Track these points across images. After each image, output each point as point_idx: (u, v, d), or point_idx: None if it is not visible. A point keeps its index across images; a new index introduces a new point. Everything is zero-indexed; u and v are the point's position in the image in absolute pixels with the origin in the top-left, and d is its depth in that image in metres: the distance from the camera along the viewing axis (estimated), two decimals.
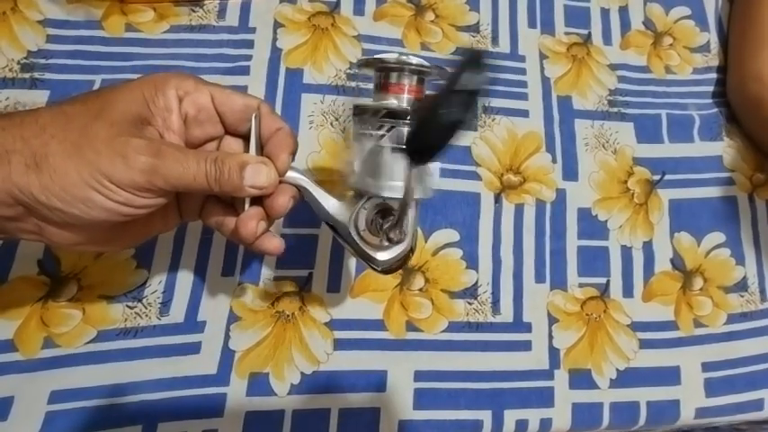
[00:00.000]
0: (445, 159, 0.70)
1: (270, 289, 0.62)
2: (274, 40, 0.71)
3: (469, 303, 0.66)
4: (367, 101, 0.47)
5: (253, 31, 0.71)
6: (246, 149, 0.47)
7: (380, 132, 0.45)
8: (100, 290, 0.59)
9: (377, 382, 0.61)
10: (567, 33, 0.81)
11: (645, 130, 0.78)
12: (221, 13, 0.72)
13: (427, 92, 0.47)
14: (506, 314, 0.67)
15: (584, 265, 0.71)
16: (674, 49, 0.85)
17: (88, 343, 0.57)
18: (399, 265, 0.49)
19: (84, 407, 0.54)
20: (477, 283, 0.67)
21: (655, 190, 0.76)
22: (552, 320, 0.68)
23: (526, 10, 0.81)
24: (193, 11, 0.71)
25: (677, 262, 0.73)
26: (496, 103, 0.74)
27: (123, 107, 0.41)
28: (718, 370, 0.69)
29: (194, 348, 0.59)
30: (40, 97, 0.63)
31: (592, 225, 0.72)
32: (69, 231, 0.41)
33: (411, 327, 0.64)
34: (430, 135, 0.37)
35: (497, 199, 0.70)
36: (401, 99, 0.46)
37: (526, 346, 0.66)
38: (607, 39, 0.83)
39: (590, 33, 0.82)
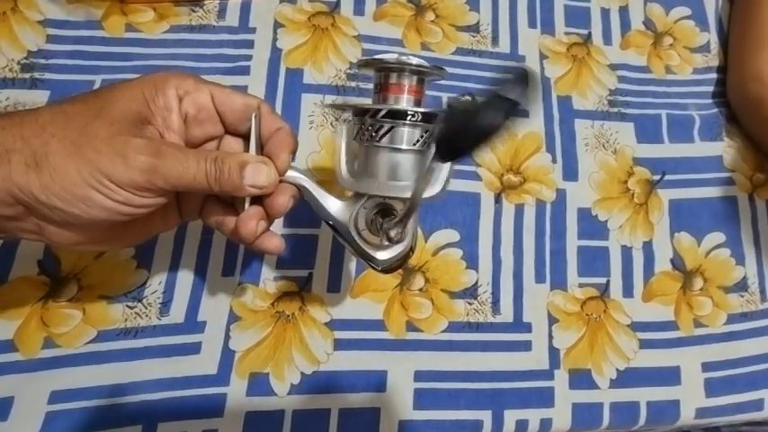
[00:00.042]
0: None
1: (270, 289, 0.62)
2: (274, 40, 0.71)
3: (469, 303, 0.66)
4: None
5: (253, 31, 0.71)
6: (246, 149, 0.47)
7: (381, 133, 0.45)
8: (100, 290, 0.59)
9: (377, 382, 0.61)
10: (567, 33, 0.81)
11: (645, 131, 0.78)
12: (221, 13, 0.72)
13: (446, 99, 0.47)
14: (506, 314, 0.67)
15: (585, 265, 0.71)
16: (674, 49, 0.85)
17: (88, 343, 0.57)
18: (399, 265, 0.49)
19: (85, 407, 0.54)
20: (477, 283, 0.67)
21: (655, 190, 0.76)
22: (552, 320, 0.68)
23: (526, 10, 0.81)
24: (193, 11, 0.71)
25: (677, 262, 0.73)
26: None
27: (123, 106, 0.41)
28: (719, 370, 0.69)
29: (194, 348, 0.59)
30: (40, 97, 0.63)
31: (592, 225, 0.72)
32: (69, 231, 0.41)
33: (411, 327, 0.64)
34: (465, 135, 0.37)
35: (497, 199, 0.70)
36: (401, 99, 0.46)
37: (526, 346, 0.66)
38: (607, 39, 0.83)
39: (590, 33, 0.82)
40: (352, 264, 0.65)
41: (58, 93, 0.64)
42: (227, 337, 0.59)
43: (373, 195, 0.46)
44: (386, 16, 0.76)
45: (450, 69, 0.73)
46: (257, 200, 0.46)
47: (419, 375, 0.62)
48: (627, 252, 0.72)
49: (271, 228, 0.48)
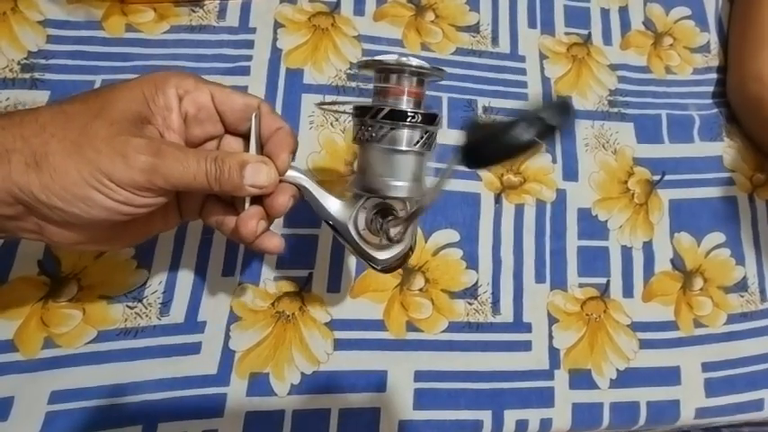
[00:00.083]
0: (445, 159, 0.70)
1: (270, 289, 0.62)
2: (274, 40, 0.71)
3: (470, 303, 0.66)
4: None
5: (253, 31, 0.71)
6: (246, 149, 0.47)
7: (381, 133, 0.45)
8: (100, 290, 0.59)
9: (377, 382, 0.61)
10: (567, 33, 0.81)
11: (645, 131, 0.78)
12: (221, 13, 0.72)
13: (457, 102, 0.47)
14: (506, 314, 0.67)
15: (585, 265, 0.71)
16: (674, 50, 0.85)
17: (88, 343, 0.57)
18: (399, 264, 0.49)
19: (85, 407, 0.54)
20: (477, 283, 0.67)
21: (655, 190, 0.76)
22: (552, 320, 0.68)
23: (526, 10, 0.81)
24: (193, 11, 0.71)
25: (677, 262, 0.73)
26: (496, 103, 0.74)
27: (123, 106, 0.41)
28: (719, 370, 0.69)
29: (194, 348, 0.59)
30: (40, 97, 0.63)
31: (592, 225, 0.72)
32: (69, 230, 0.41)
33: (411, 327, 0.64)
34: (495, 145, 0.37)
35: (497, 199, 0.70)
36: (401, 101, 0.46)
37: (526, 346, 0.66)
38: (607, 39, 0.83)
39: (590, 33, 0.82)
40: (352, 264, 0.65)
41: (59, 93, 0.64)
42: (228, 337, 0.59)
43: (373, 195, 0.46)
44: (386, 16, 0.76)
45: (450, 69, 0.73)
46: (257, 199, 0.46)
47: (419, 375, 0.62)
48: (627, 252, 0.72)
49: (271, 227, 0.48)
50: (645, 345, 0.69)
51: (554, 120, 0.36)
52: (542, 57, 0.79)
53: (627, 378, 0.67)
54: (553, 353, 0.66)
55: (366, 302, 0.64)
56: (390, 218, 0.46)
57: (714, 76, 0.84)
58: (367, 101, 0.47)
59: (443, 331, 0.65)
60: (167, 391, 0.56)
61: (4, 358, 0.55)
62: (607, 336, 0.68)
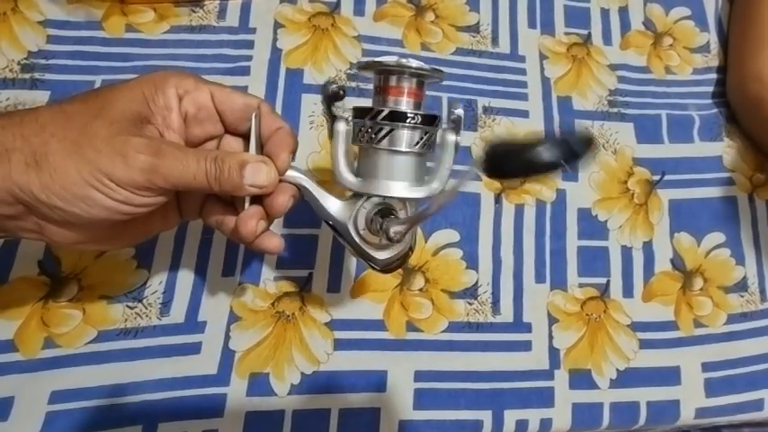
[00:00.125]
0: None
1: (270, 289, 0.62)
2: (274, 40, 0.71)
3: (470, 303, 0.66)
4: (363, 102, 0.47)
5: (253, 31, 0.71)
6: (246, 148, 0.47)
7: (380, 135, 0.45)
8: (100, 290, 0.59)
9: (377, 382, 0.61)
10: (566, 34, 0.81)
11: (645, 131, 0.78)
12: (221, 13, 0.72)
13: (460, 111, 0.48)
14: (506, 314, 0.67)
15: (585, 265, 0.71)
16: (673, 50, 0.85)
17: (89, 343, 0.57)
18: (399, 264, 0.49)
19: (85, 407, 0.54)
20: (477, 283, 0.67)
21: (655, 190, 0.76)
22: (552, 320, 0.68)
23: (526, 10, 0.81)
24: (194, 11, 0.71)
25: (677, 262, 0.73)
26: (496, 103, 0.74)
27: (123, 106, 0.41)
28: (719, 370, 0.69)
29: (195, 348, 0.59)
30: (40, 98, 0.63)
31: (592, 225, 0.72)
32: (69, 230, 0.41)
33: (411, 327, 0.64)
34: (517, 161, 0.38)
35: (497, 199, 0.70)
36: (400, 102, 0.46)
37: (526, 346, 0.66)
38: (607, 39, 0.83)
39: (590, 34, 0.82)
40: (352, 264, 0.65)
41: (59, 93, 0.64)
42: (228, 337, 0.59)
43: (373, 195, 0.46)
44: (386, 17, 0.76)
45: (450, 69, 0.73)
46: (257, 199, 0.46)
47: (419, 375, 0.62)
48: (627, 252, 0.72)
49: (270, 227, 0.48)
50: (645, 345, 0.69)
51: (578, 147, 0.37)
52: (542, 57, 0.79)
53: (627, 378, 0.67)
54: (553, 353, 0.66)
55: (366, 302, 0.64)
56: (390, 218, 0.46)
57: (714, 76, 0.85)
58: (367, 101, 0.47)
59: (443, 331, 0.65)
60: (167, 391, 0.56)
61: (4, 358, 0.55)
62: (607, 336, 0.68)
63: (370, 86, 0.48)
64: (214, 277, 0.61)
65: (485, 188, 0.70)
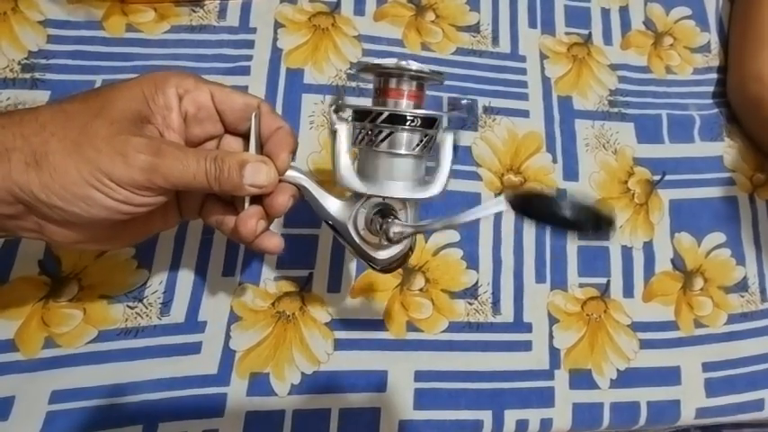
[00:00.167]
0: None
1: (270, 289, 0.62)
2: (275, 40, 0.71)
3: (470, 303, 0.66)
4: (363, 102, 0.47)
5: (253, 31, 0.71)
6: (246, 148, 0.47)
7: (380, 137, 0.45)
8: (100, 290, 0.59)
9: (377, 382, 0.61)
10: (567, 33, 0.81)
11: (645, 131, 0.78)
12: (222, 13, 0.72)
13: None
14: (507, 314, 0.67)
15: (585, 265, 0.71)
16: (674, 50, 0.85)
17: (89, 343, 0.57)
18: (399, 265, 0.49)
19: (85, 407, 0.54)
20: (477, 283, 0.67)
21: (655, 190, 0.76)
22: (552, 320, 0.67)
23: (526, 10, 0.81)
24: (194, 11, 0.71)
25: (678, 262, 0.73)
26: (497, 103, 0.74)
27: (123, 105, 0.41)
28: (719, 370, 0.69)
29: (195, 348, 0.59)
30: (40, 97, 0.63)
31: None
32: (69, 229, 0.41)
33: (411, 327, 0.64)
34: (541, 205, 0.39)
35: None
36: (400, 104, 0.46)
37: (526, 346, 0.66)
38: (607, 39, 0.83)
39: (590, 33, 0.82)
40: (352, 264, 0.65)
41: (59, 93, 0.64)
42: (228, 336, 0.60)
43: (372, 196, 0.46)
44: (386, 16, 0.76)
45: (450, 69, 0.74)
46: (257, 199, 0.46)
47: (419, 375, 0.62)
48: (627, 252, 0.72)
49: (270, 227, 0.48)
50: (645, 345, 0.69)
51: (599, 221, 0.38)
52: (543, 57, 0.79)
53: (627, 378, 0.67)
54: (553, 353, 0.66)
55: (366, 302, 0.64)
56: (390, 218, 0.46)
57: (714, 75, 0.84)
58: (367, 102, 0.47)
59: (444, 331, 0.65)
60: (168, 391, 0.56)
61: (4, 358, 0.55)
62: (607, 336, 0.68)
63: (371, 86, 0.48)
64: (214, 277, 0.61)
65: (485, 188, 0.70)
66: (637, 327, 0.69)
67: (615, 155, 0.76)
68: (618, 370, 0.67)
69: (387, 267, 0.49)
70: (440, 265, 0.67)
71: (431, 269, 0.66)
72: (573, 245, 0.71)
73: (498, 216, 0.70)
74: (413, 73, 0.44)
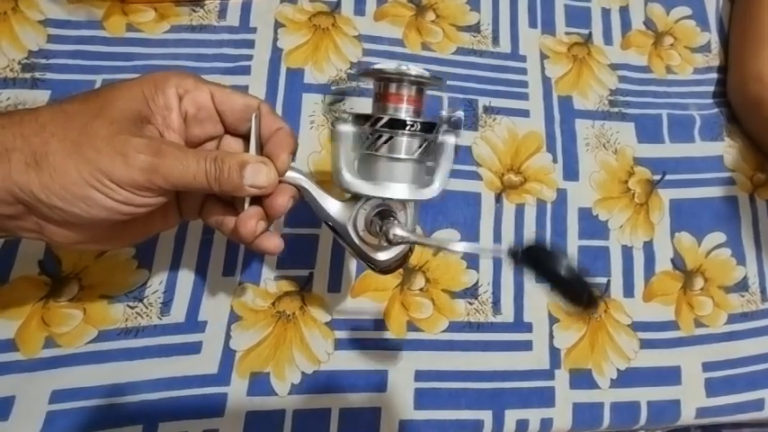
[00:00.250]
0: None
1: (270, 289, 0.62)
2: (275, 40, 0.71)
3: (470, 303, 0.66)
4: (363, 102, 0.47)
5: (253, 31, 0.71)
6: (246, 149, 0.47)
7: (380, 142, 0.45)
8: (101, 290, 0.59)
9: (377, 381, 0.61)
10: (567, 33, 0.81)
11: (645, 130, 0.78)
12: (222, 13, 0.72)
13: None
14: (507, 314, 0.67)
15: (585, 264, 0.71)
16: (674, 49, 0.85)
17: (89, 343, 0.57)
18: (398, 266, 0.49)
19: (85, 406, 0.54)
20: (477, 282, 0.67)
21: (655, 190, 0.76)
22: (553, 320, 0.67)
23: (527, 10, 0.81)
24: (194, 11, 0.71)
25: (678, 262, 0.73)
26: (497, 102, 0.74)
27: (123, 105, 0.41)
28: (719, 370, 0.69)
29: (195, 348, 0.59)
30: (40, 97, 0.63)
31: (592, 225, 0.72)
32: (69, 230, 0.41)
33: (412, 327, 0.64)
34: (540, 256, 0.40)
35: (498, 199, 0.70)
36: (400, 109, 0.46)
37: (527, 345, 0.66)
38: (608, 39, 0.83)
39: (591, 33, 0.82)
40: (352, 264, 0.65)
41: (59, 93, 0.64)
42: (228, 336, 0.60)
43: (372, 197, 0.46)
44: (386, 16, 0.76)
45: (450, 69, 0.74)
46: (257, 200, 0.46)
47: (420, 375, 0.62)
48: (627, 252, 0.72)
49: (271, 227, 0.48)
50: (645, 344, 0.69)
51: (585, 294, 0.39)
52: (543, 56, 0.79)
53: (627, 378, 0.67)
54: (554, 353, 0.66)
55: (367, 302, 0.64)
56: (390, 220, 0.46)
57: (715, 75, 0.84)
58: (367, 102, 0.47)
59: (444, 331, 0.65)
60: (168, 391, 0.56)
61: (4, 358, 0.55)
62: (608, 335, 0.68)
63: (371, 86, 0.48)
64: (214, 277, 0.61)
65: (485, 188, 0.70)
66: (637, 326, 0.69)
67: (615, 155, 0.76)
68: (618, 370, 0.67)
69: (386, 268, 0.49)
70: (440, 264, 0.67)
71: (431, 269, 0.66)
72: (573, 245, 0.71)
73: (498, 215, 0.70)
74: (413, 78, 0.44)
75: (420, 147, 0.45)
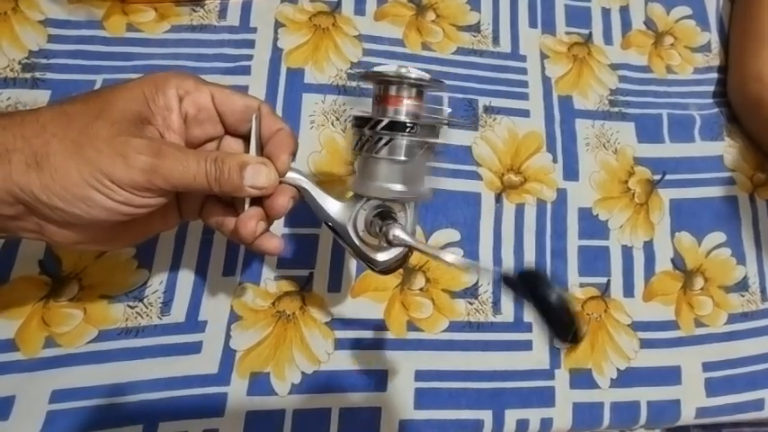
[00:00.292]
0: (446, 159, 0.70)
1: (271, 289, 0.62)
2: (275, 39, 0.71)
3: (470, 303, 0.66)
4: (364, 102, 0.47)
5: (254, 30, 0.71)
6: (247, 150, 0.47)
7: (380, 145, 0.45)
8: (101, 289, 0.59)
9: (377, 381, 0.61)
10: (567, 33, 0.81)
11: (646, 130, 0.78)
12: (222, 12, 0.72)
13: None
14: (507, 314, 0.67)
15: (585, 264, 0.71)
16: (674, 49, 0.85)
17: (89, 342, 0.57)
18: (398, 266, 0.49)
19: (86, 406, 0.54)
20: (477, 282, 0.67)
21: (655, 190, 0.76)
22: None
23: (527, 9, 0.81)
24: (194, 11, 0.71)
25: (678, 262, 0.73)
26: (497, 102, 0.74)
27: (124, 106, 0.41)
28: (719, 370, 0.69)
29: (195, 348, 0.59)
30: (41, 97, 0.63)
31: (592, 225, 0.72)
32: (70, 230, 0.41)
33: (412, 326, 0.64)
34: (538, 289, 0.40)
35: (498, 199, 0.70)
36: (400, 112, 0.46)
37: (527, 345, 0.66)
38: (608, 38, 0.83)
39: (591, 33, 0.82)
40: (352, 263, 0.65)
41: (60, 92, 0.64)
42: (228, 336, 0.60)
43: (372, 197, 0.46)
44: (387, 16, 0.76)
45: (451, 69, 0.74)
46: (257, 201, 0.46)
47: (420, 375, 0.62)
48: (627, 252, 0.72)
49: (271, 228, 0.48)
50: (645, 344, 0.69)
51: (573, 322, 0.40)
52: (543, 56, 0.79)
53: (627, 378, 0.67)
54: (554, 352, 0.66)
55: (367, 302, 0.64)
56: (389, 221, 0.46)
57: (715, 75, 0.84)
58: (367, 102, 0.47)
59: (444, 331, 0.65)
60: (168, 391, 0.56)
61: (5, 358, 0.55)
62: (608, 335, 0.68)
63: (371, 86, 0.48)
64: (215, 277, 0.61)
65: (485, 188, 0.70)
66: (637, 326, 0.69)
67: (615, 154, 0.76)
68: (618, 369, 0.67)
69: (386, 269, 0.49)
70: (440, 264, 0.67)
71: (431, 269, 0.66)
72: (573, 245, 0.71)
73: (498, 215, 0.70)
74: (412, 81, 0.45)
75: (420, 149, 0.45)
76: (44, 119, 0.39)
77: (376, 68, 0.45)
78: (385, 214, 0.46)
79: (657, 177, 0.76)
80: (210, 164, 0.42)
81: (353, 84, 0.71)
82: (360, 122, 0.46)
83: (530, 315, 0.67)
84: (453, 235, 0.68)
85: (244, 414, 0.57)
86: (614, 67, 0.81)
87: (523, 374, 0.65)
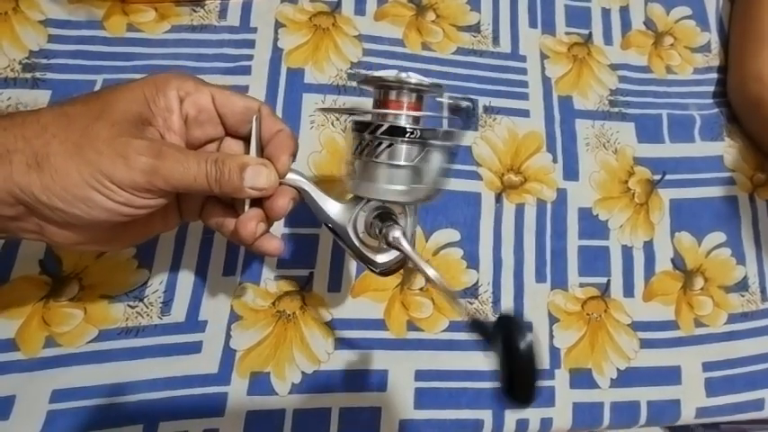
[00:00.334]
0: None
1: (271, 288, 0.62)
2: (275, 39, 0.71)
3: (470, 303, 0.66)
4: (363, 102, 0.47)
5: (254, 30, 0.71)
6: (247, 151, 0.47)
7: (379, 149, 0.45)
8: (101, 289, 0.59)
9: (378, 381, 0.61)
10: (567, 33, 0.81)
11: (646, 130, 0.78)
12: (222, 12, 0.72)
13: None
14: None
15: (585, 264, 0.71)
16: (674, 49, 0.84)
17: (89, 342, 0.57)
18: (398, 268, 0.49)
19: (86, 406, 0.55)
20: (477, 282, 0.67)
21: (655, 190, 0.76)
22: (553, 320, 0.68)
23: (527, 10, 0.81)
24: (194, 11, 0.71)
25: (678, 262, 0.73)
26: (497, 102, 0.74)
27: (124, 107, 0.41)
28: (719, 370, 0.69)
29: (195, 348, 0.59)
30: (41, 97, 0.63)
31: (592, 225, 0.72)
32: (70, 231, 0.41)
33: (412, 326, 0.64)
34: (511, 335, 0.42)
35: (498, 199, 0.70)
36: (400, 116, 0.46)
37: None
38: (608, 39, 0.83)
39: (591, 33, 0.82)
40: (352, 263, 0.65)
41: (60, 93, 0.64)
42: (228, 336, 0.60)
43: (372, 199, 0.46)
44: (387, 16, 0.76)
45: (450, 69, 0.74)
46: (257, 202, 0.46)
47: (420, 375, 0.62)
48: (627, 252, 0.72)
49: (271, 229, 0.48)
50: (645, 344, 0.69)
51: (532, 384, 0.41)
52: (543, 56, 0.79)
53: (627, 377, 0.67)
54: (554, 352, 0.66)
55: (367, 302, 0.64)
56: (389, 222, 0.46)
57: (715, 75, 0.84)
58: (367, 101, 0.47)
59: (444, 330, 0.65)
60: (168, 390, 0.57)
61: (5, 357, 0.55)
62: (608, 335, 0.68)
63: (371, 87, 0.48)
64: (215, 277, 0.62)
65: (485, 188, 0.70)
66: (637, 326, 0.69)
67: (615, 154, 0.76)
68: (618, 369, 0.67)
69: (386, 270, 0.49)
70: (440, 264, 0.67)
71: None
72: (573, 245, 0.71)
73: (498, 215, 0.70)
74: (412, 86, 0.45)
75: (420, 154, 0.45)
76: (45, 120, 0.39)
77: (376, 73, 0.45)
78: (385, 216, 0.46)
79: (657, 177, 0.76)
80: (211, 165, 0.42)
81: (353, 84, 0.71)
82: (360, 127, 0.46)
83: (530, 315, 0.67)
84: (453, 235, 0.68)
85: (244, 414, 0.57)
86: (614, 67, 0.81)
87: None
